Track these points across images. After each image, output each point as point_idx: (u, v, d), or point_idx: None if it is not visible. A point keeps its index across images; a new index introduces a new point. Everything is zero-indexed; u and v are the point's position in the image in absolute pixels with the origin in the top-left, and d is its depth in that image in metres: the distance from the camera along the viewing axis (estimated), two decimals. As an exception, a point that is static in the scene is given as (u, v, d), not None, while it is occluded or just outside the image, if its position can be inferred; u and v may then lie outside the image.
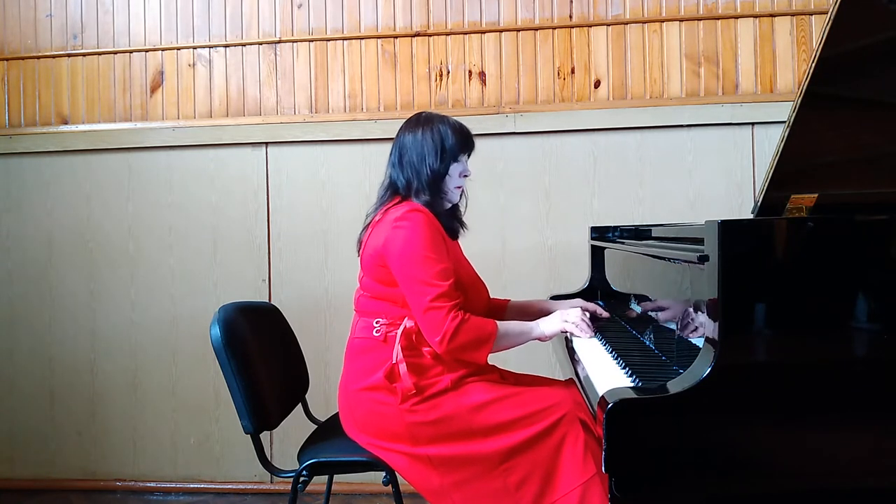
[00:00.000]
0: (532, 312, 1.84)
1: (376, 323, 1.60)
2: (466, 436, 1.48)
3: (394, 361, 1.53)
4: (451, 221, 1.73)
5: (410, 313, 1.56)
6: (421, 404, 1.50)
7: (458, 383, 1.52)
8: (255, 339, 1.70)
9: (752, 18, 2.55)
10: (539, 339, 1.64)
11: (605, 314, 1.87)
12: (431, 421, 1.49)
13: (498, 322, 1.56)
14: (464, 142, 1.69)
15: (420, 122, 1.70)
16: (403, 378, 1.51)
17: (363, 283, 1.67)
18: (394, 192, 1.70)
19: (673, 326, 1.37)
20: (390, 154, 1.73)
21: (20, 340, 2.81)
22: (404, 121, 1.74)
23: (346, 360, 1.66)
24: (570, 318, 1.65)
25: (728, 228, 1.06)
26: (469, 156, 1.73)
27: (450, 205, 1.72)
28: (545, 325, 1.65)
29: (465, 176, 1.71)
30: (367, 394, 1.55)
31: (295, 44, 2.72)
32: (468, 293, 1.63)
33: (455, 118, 1.72)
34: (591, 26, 2.61)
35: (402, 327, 1.56)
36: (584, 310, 1.72)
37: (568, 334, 1.66)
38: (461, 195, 1.74)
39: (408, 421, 1.50)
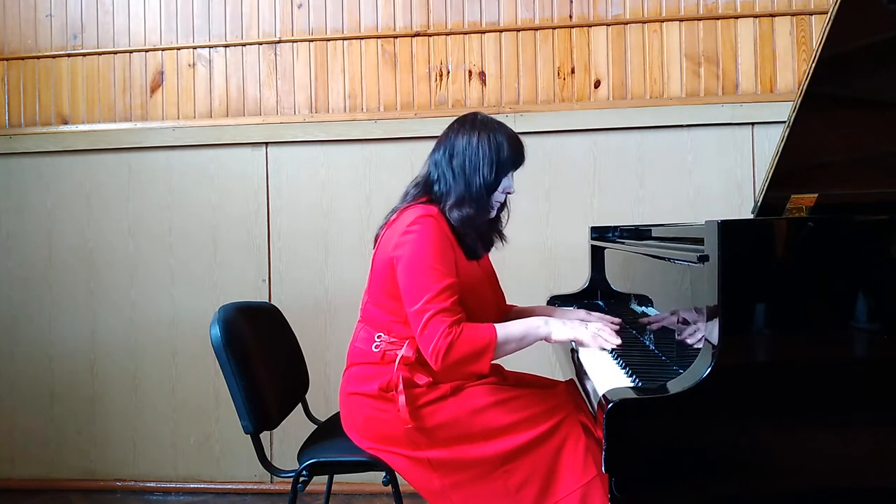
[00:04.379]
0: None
1: (377, 338, 1.55)
2: (466, 439, 1.46)
3: (395, 392, 1.46)
4: (487, 234, 1.64)
5: (412, 335, 1.48)
6: (420, 410, 1.47)
7: (457, 389, 1.49)
8: (255, 340, 1.69)
9: (752, 18, 2.55)
10: (545, 339, 1.51)
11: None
12: (431, 427, 1.47)
13: (498, 326, 1.46)
14: (517, 155, 1.59)
15: (476, 125, 1.58)
16: (401, 407, 1.45)
17: (370, 290, 1.59)
18: (426, 190, 1.60)
19: (673, 327, 1.37)
20: (436, 150, 1.62)
21: (20, 340, 2.81)
22: (456, 119, 1.63)
23: (347, 363, 1.64)
24: (588, 329, 1.50)
25: (728, 228, 1.06)
26: (516, 170, 1.62)
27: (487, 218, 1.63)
28: (556, 330, 1.50)
29: (509, 193, 1.62)
30: (365, 399, 1.54)
31: (295, 44, 2.72)
32: (468, 306, 1.51)
33: (509, 127, 1.62)
34: (591, 26, 2.60)
35: (402, 352, 1.49)
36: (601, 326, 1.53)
37: (575, 343, 1.53)
38: (502, 209, 1.66)
39: (406, 427, 1.47)
